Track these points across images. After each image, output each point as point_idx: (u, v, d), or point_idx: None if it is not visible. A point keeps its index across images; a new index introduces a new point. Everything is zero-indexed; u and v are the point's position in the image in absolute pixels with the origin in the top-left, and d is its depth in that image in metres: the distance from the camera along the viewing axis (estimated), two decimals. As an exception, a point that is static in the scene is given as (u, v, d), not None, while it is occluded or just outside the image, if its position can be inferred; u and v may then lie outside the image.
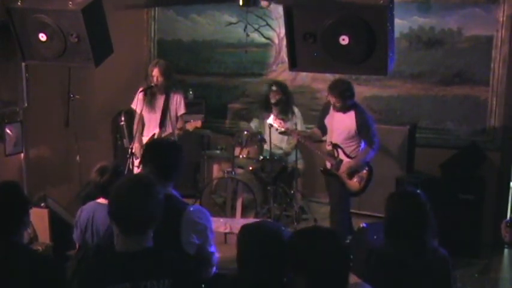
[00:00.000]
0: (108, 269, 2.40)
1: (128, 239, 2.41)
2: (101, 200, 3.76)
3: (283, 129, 5.63)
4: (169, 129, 5.76)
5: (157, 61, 5.85)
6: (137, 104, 5.67)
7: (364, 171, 5.27)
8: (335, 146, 5.30)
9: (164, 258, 2.44)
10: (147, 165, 3.05)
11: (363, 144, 5.29)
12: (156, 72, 5.64)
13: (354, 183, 5.28)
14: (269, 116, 5.82)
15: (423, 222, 2.96)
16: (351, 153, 5.28)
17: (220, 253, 4.12)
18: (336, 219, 5.37)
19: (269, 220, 5.56)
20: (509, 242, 4.50)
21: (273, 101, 6.27)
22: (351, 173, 5.25)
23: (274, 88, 6.29)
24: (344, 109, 5.22)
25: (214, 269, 3.09)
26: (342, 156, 5.29)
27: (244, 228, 2.59)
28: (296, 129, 6.22)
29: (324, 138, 5.62)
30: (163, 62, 5.81)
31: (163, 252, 2.46)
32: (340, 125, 5.27)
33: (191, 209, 2.95)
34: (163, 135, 5.70)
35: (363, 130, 5.22)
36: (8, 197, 2.82)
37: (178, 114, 5.83)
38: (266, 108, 6.33)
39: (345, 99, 5.17)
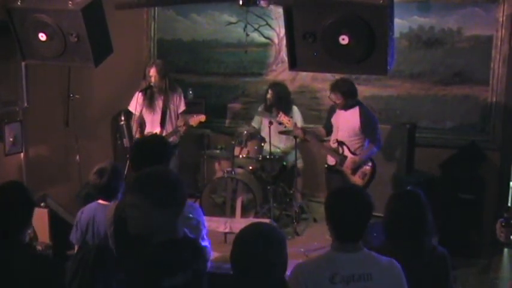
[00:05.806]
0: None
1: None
2: (102, 201, 3.76)
3: (290, 128, 5.68)
4: (170, 128, 5.79)
5: (154, 61, 5.95)
6: (136, 106, 5.69)
7: (367, 166, 5.35)
8: (340, 143, 5.42)
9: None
10: (137, 166, 3.05)
11: (366, 142, 5.39)
12: (153, 72, 5.70)
13: (357, 179, 5.35)
14: (268, 116, 5.88)
15: (422, 222, 2.98)
16: (355, 150, 5.39)
17: (220, 253, 4.14)
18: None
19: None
20: (504, 241, 4.51)
21: (268, 103, 6.36)
22: (355, 169, 5.33)
23: (269, 91, 6.38)
24: (346, 107, 5.36)
25: (209, 263, 3.09)
26: (346, 153, 5.40)
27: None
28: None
29: (327, 138, 5.70)
30: (160, 61, 5.90)
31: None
32: (346, 122, 5.40)
33: None
34: (164, 134, 5.72)
35: (367, 128, 5.33)
36: (14, 196, 2.83)
37: (179, 112, 5.87)
38: (266, 108, 6.41)
39: (346, 97, 5.31)
